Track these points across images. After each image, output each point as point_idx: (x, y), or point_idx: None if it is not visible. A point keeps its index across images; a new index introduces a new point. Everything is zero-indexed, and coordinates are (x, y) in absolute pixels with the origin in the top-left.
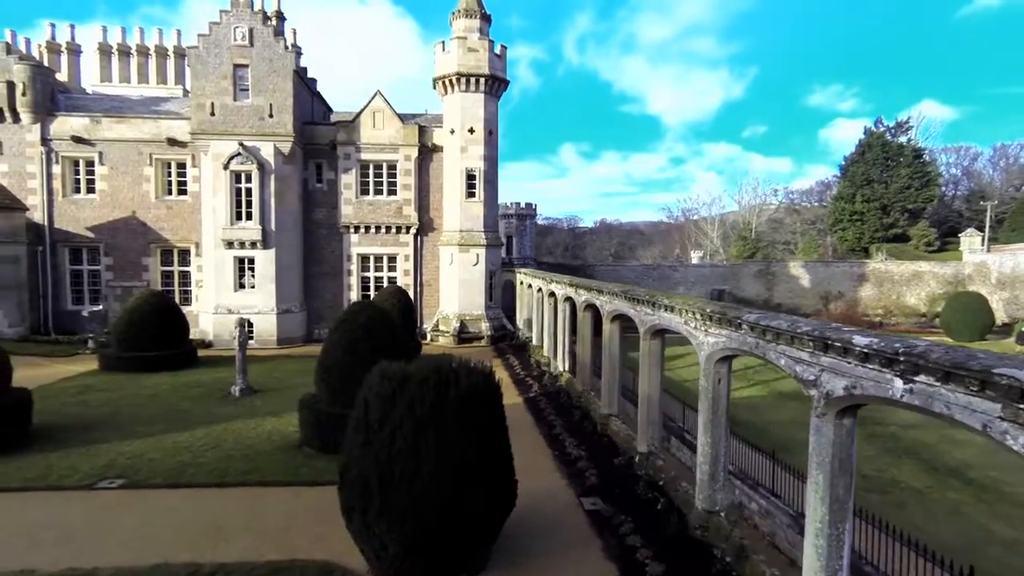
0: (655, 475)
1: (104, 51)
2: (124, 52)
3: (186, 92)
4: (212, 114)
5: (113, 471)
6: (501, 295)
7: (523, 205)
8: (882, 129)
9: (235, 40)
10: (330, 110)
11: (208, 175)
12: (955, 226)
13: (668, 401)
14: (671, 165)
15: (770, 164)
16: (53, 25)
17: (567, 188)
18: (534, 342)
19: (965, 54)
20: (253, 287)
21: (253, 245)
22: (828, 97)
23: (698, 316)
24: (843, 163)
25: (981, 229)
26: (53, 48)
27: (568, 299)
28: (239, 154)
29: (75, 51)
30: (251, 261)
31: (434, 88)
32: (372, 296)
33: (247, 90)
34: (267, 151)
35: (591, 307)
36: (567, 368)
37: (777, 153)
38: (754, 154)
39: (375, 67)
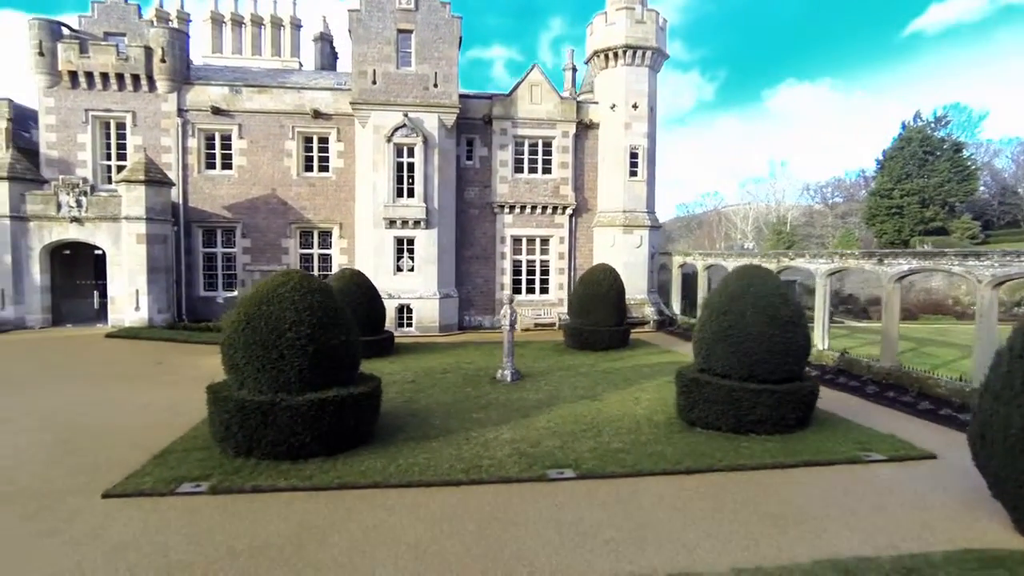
0: None
1: (216, 20)
2: (237, 22)
3: (301, 65)
4: (374, 83)
5: (540, 461)
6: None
7: None
8: (921, 124)
9: (399, 3)
10: None
11: (367, 148)
12: (991, 220)
13: None
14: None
15: (750, 162)
16: None
17: None
18: None
19: (922, 61)
20: (412, 270)
21: (416, 224)
22: (796, 97)
23: None
24: (880, 158)
25: (1016, 224)
26: (162, 16)
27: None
28: (403, 126)
29: (184, 20)
30: (410, 242)
31: (586, 64)
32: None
33: (410, 57)
34: (431, 123)
35: (901, 279)
36: (826, 347)
37: (753, 151)
38: (730, 153)
39: None
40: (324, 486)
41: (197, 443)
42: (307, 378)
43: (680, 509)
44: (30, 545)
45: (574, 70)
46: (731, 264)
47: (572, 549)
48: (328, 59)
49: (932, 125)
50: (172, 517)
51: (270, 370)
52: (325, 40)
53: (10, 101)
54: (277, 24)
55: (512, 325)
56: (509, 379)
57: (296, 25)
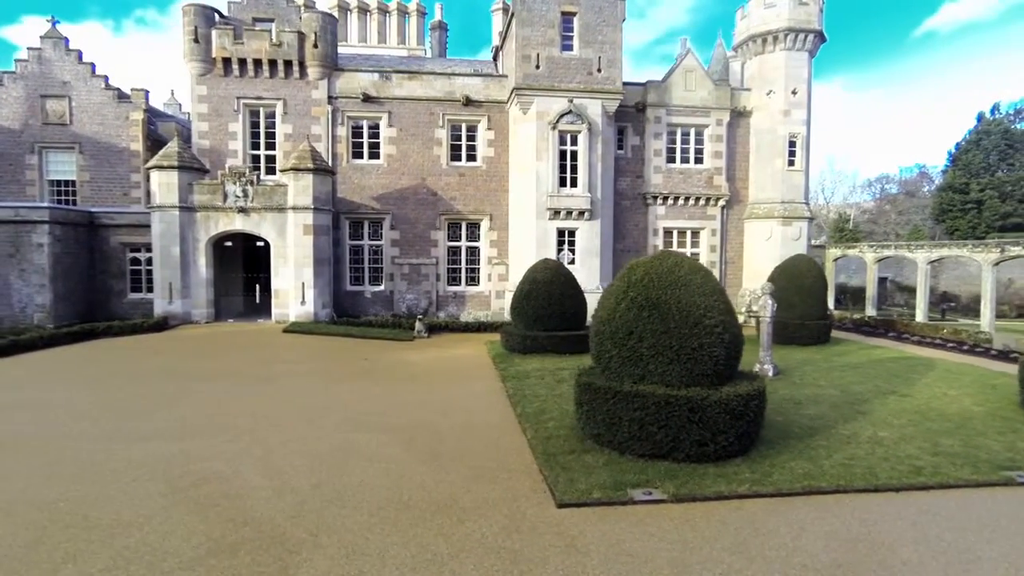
0: None
1: (343, 8)
2: (363, 9)
3: (426, 52)
4: (537, 67)
5: (977, 462)
6: None
7: None
8: (1000, 116)
9: None
10: None
11: (528, 136)
12: None
13: None
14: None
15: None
16: None
17: None
18: (918, 318)
19: (936, 59)
20: (572, 262)
21: (580, 215)
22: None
23: None
24: (953, 152)
25: None
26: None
27: None
28: (569, 112)
29: (311, 7)
30: (571, 233)
31: (734, 50)
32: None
33: (572, 41)
34: (594, 110)
35: None
36: None
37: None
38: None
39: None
40: (788, 491)
41: (562, 444)
42: (720, 370)
43: None
44: (575, 562)
45: None
46: (922, 256)
47: None
48: (444, 48)
49: (1011, 117)
50: (671, 529)
51: (685, 361)
52: (443, 28)
53: (146, 92)
54: (403, 12)
55: (772, 320)
56: (771, 373)
57: (421, 12)
